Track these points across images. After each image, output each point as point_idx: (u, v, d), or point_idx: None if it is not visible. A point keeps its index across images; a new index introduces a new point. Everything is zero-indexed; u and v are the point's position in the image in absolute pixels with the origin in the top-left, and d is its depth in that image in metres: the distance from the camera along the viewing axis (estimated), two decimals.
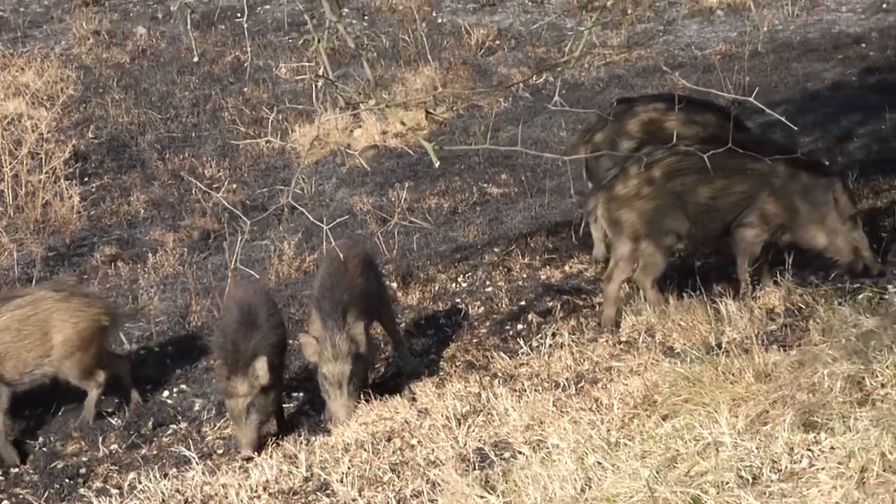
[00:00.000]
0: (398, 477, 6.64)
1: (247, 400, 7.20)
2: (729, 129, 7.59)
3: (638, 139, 9.02)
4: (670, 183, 8.03)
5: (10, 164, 11.78)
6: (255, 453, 7.17)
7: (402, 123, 6.94)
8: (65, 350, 7.68)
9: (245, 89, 14.30)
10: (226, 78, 14.73)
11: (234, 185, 12.06)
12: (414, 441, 7.01)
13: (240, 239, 8.81)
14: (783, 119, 6.93)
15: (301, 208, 8.14)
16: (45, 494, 6.95)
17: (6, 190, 11.64)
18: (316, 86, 9.71)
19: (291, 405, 8.06)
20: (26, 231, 11.25)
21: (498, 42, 15.16)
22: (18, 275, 10.52)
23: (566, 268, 9.21)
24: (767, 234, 8.22)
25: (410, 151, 12.19)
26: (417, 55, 14.50)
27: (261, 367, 7.22)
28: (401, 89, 13.69)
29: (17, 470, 7.28)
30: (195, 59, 10.60)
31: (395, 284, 9.33)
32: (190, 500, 6.65)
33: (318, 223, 6.78)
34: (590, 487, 5.99)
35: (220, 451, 7.46)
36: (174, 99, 14.09)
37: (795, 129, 7.77)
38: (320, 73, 8.54)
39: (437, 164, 6.61)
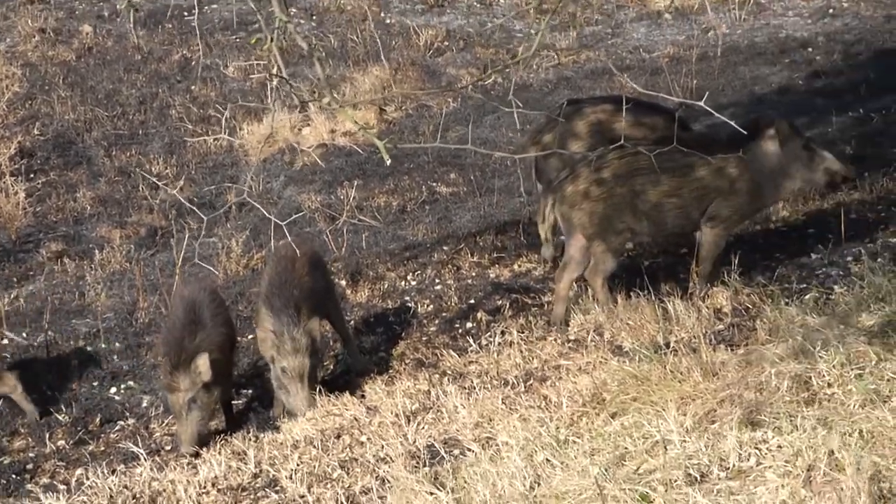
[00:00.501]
0: (347, 474, 6.63)
1: (188, 395, 7.20)
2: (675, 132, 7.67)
3: (587, 140, 9.06)
4: (620, 183, 8.07)
5: None
6: (196, 449, 7.14)
7: (354, 122, 6.91)
8: None
9: (193, 87, 14.24)
10: (173, 76, 14.66)
11: (181, 183, 11.99)
12: (363, 438, 7.00)
13: (196, 235, 8.93)
14: (731, 122, 6.97)
15: (256, 204, 8.13)
16: None
17: None
18: (269, 84, 9.71)
19: (240, 402, 8.04)
20: None
21: (446, 43, 15.18)
22: None
23: (515, 267, 9.25)
24: (734, 228, 8.34)
25: (359, 150, 12.16)
26: (366, 55, 14.51)
27: (202, 363, 7.21)
28: (350, 89, 13.66)
29: None
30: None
31: (343, 282, 9.33)
32: (138, 496, 6.61)
33: (274, 219, 6.78)
34: (539, 485, 6.01)
35: (168, 448, 7.45)
36: (121, 97, 14.00)
37: (744, 132, 7.84)
38: (274, 71, 8.55)
39: (388, 162, 6.61)
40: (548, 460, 6.18)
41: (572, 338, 7.88)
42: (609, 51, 14.53)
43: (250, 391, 8.15)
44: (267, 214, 7.57)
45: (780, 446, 5.78)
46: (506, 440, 6.52)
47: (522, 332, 8.04)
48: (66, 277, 10.38)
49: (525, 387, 7.24)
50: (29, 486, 6.97)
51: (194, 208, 8.81)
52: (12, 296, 9.90)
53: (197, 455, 7.10)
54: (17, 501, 6.78)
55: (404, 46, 14.90)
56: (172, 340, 7.40)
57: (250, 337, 8.53)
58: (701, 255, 8.27)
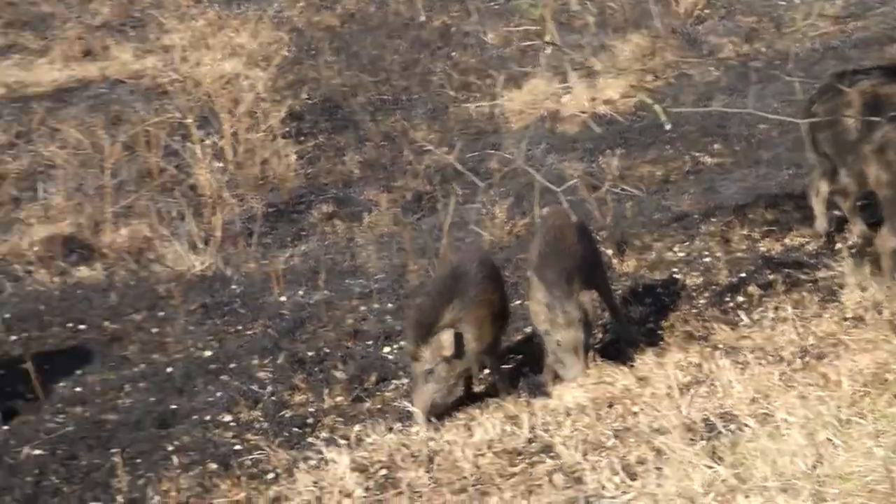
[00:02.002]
0: (622, 443, 6.66)
1: (427, 366, 7.18)
2: None
3: (860, 111, 8.83)
4: None
5: (230, 122, 12.11)
6: (426, 417, 7.14)
7: (632, 86, 6.92)
8: None
9: (453, 53, 14.43)
10: (433, 42, 14.88)
11: (445, 149, 12.17)
12: (636, 408, 7.01)
13: (462, 201, 8.88)
14: None
15: (532, 171, 8.14)
16: (276, 441, 7.13)
17: (226, 147, 11.99)
18: (541, 51, 9.77)
19: (509, 366, 8.13)
20: (247, 187, 11.58)
21: (707, 11, 14.99)
22: (240, 229, 10.85)
23: (787, 240, 9.09)
24: None
25: (620, 118, 12.18)
26: (625, 22, 14.43)
27: (447, 339, 7.14)
28: (609, 57, 13.63)
29: (248, 417, 7.49)
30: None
31: (609, 252, 9.32)
32: (416, 454, 6.77)
33: (551, 186, 6.82)
34: (821, 464, 5.94)
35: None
36: (384, 62, 14.31)
37: None
38: (547, 39, 8.60)
39: (668, 127, 6.59)
40: (829, 440, 6.11)
41: (850, 315, 7.72)
42: (878, 19, 14.11)
43: (519, 356, 8.23)
44: (543, 182, 7.66)
45: None
46: (785, 417, 6.45)
47: (797, 308, 7.91)
48: (337, 238, 10.70)
49: (802, 363, 7.14)
50: (310, 440, 7.19)
51: (472, 176, 8.93)
52: (287, 255, 10.27)
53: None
54: (299, 453, 7.01)
55: (664, 14, 14.75)
56: (424, 310, 7.39)
57: (518, 303, 8.60)
58: None
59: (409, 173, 11.81)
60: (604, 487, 6.28)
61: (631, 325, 8.26)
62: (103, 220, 11.01)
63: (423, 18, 15.39)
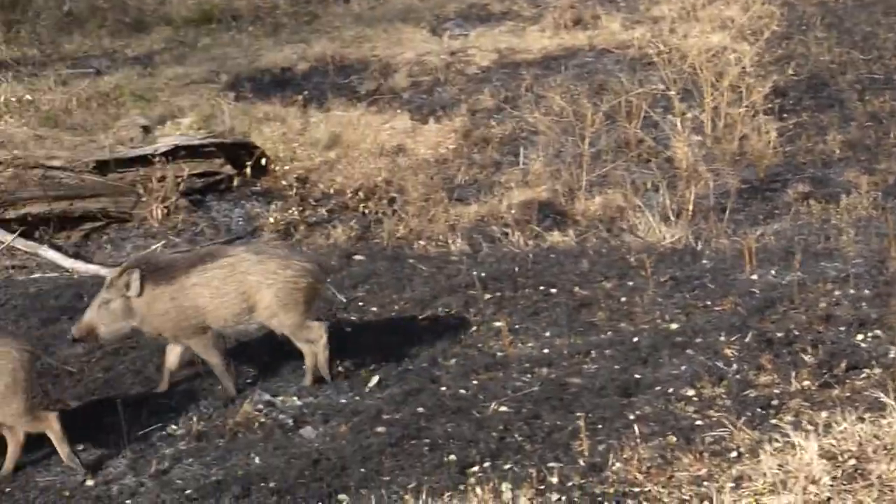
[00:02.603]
0: None
1: None
2: None
3: None
4: None
5: (712, 95, 11.99)
6: None
7: None
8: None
9: None
10: None
11: None
12: None
13: None
14: None
15: None
16: (739, 420, 6.99)
17: (706, 121, 11.88)
18: None
19: None
20: (723, 162, 11.43)
21: None
22: (713, 204, 10.73)
23: None
24: None
25: None
26: None
27: None
28: None
29: (711, 393, 7.39)
30: None
31: None
32: (889, 447, 6.46)
33: None
34: None
35: None
36: (877, 40, 13.71)
37: None
38: None
39: None
40: None
41: None
42: None
43: None
44: None
45: None
46: None
47: None
48: (812, 219, 10.37)
49: None
50: (774, 422, 7.00)
51: None
52: (759, 233, 10.06)
53: None
54: (763, 434, 6.84)
55: None
56: None
57: None
58: None
59: (895, 156, 11.28)
60: None
61: None
62: (578, 188, 11.18)
63: None
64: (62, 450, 6.93)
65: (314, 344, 7.84)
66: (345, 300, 8.00)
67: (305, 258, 8.13)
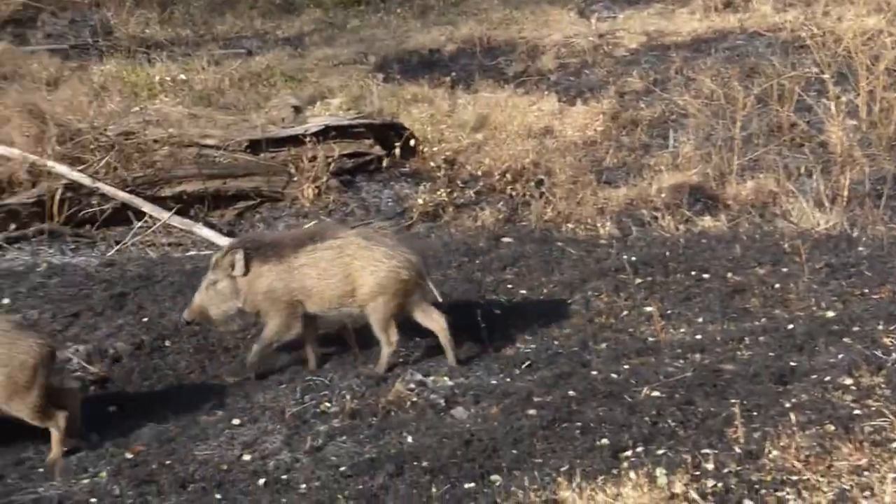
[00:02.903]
0: None
1: None
2: None
3: None
4: None
5: (867, 79, 11.74)
6: None
7: None
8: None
9: None
10: None
11: None
12: None
13: None
14: None
15: None
16: None
17: (861, 105, 11.63)
18: None
19: None
20: (879, 147, 11.19)
21: None
22: (868, 190, 10.51)
23: None
24: None
25: None
26: None
27: None
28: None
29: (869, 382, 7.24)
30: None
31: None
32: None
33: None
34: None
35: None
36: None
37: None
38: None
39: None
40: None
41: None
42: None
43: None
44: None
45: None
46: None
47: None
48: None
49: None
50: None
51: None
52: None
53: None
54: None
55: None
56: None
57: None
58: None
59: None
60: None
61: None
62: (729, 172, 11.04)
63: None
64: (56, 450, 6.93)
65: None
66: (441, 299, 8.01)
67: (410, 251, 8.12)
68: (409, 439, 7.02)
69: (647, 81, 13.56)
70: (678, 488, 6.28)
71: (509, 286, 9.15)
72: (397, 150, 11.95)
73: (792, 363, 7.61)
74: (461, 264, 9.59)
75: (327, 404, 7.48)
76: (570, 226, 10.59)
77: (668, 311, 8.51)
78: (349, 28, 16.92)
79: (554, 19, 16.11)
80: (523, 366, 7.87)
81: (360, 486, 6.49)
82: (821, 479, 6.29)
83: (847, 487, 6.17)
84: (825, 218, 9.99)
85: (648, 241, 9.98)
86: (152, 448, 7.00)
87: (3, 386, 6.81)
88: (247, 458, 6.92)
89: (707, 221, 10.39)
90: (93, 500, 6.37)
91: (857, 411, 6.95)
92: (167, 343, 8.30)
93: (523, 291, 9.07)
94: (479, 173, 11.71)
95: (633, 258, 9.42)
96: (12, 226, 10.44)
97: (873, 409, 6.93)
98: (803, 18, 14.19)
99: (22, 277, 9.40)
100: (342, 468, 6.72)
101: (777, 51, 13.73)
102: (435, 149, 12.10)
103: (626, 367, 7.80)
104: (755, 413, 7.04)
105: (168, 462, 6.83)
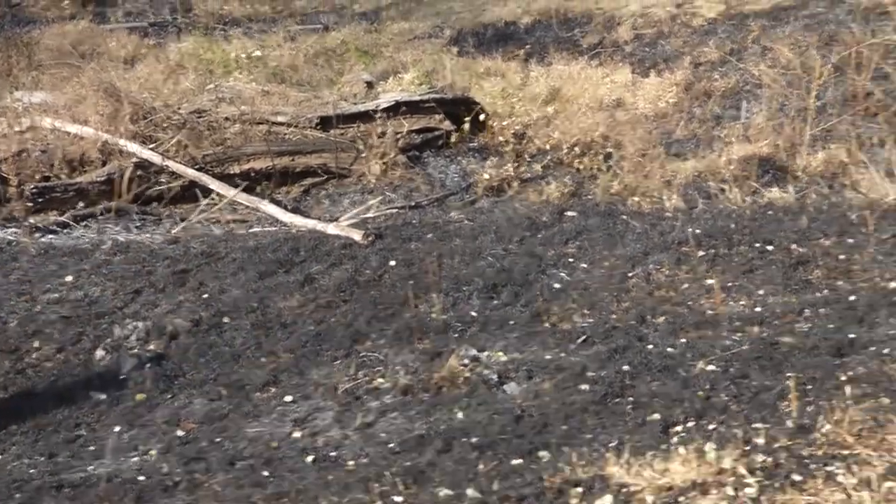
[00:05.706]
0: None
1: None
2: None
3: None
4: None
5: None
6: None
7: None
8: None
9: None
10: None
11: None
12: None
13: None
14: None
15: None
16: None
17: None
18: None
19: None
20: None
21: None
22: None
23: None
24: None
25: None
26: None
27: None
28: None
29: None
30: None
31: None
32: None
33: None
34: None
35: None
36: None
37: None
38: None
39: None
40: None
41: None
42: None
43: None
44: None
45: None
46: None
47: None
48: None
49: None
50: None
51: None
52: None
53: None
54: None
55: None
56: None
57: None
58: None
59: None
60: None
61: None
62: (801, 143, 10.85)
63: None
64: None
65: None
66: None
67: None
68: (460, 415, 7.00)
69: (724, 52, 13.36)
70: (727, 463, 6.19)
71: (570, 260, 9.10)
72: (466, 125, 11.91)
73: (851, 335, 7.47)
74: (523, 238, 9.55)
75: (380, 380, 7.48)
76: (635, 199, 10.48)
77: (730, 284, 8.39)
78: (426, 2, 16.90)
79: None
80: (579, 340, 7.81)
81: (408, 463, 6.47)
82: (872, 454, 6.16)
83: None
84: (895, 188, 9.77)
85: (714, 214, 9.86)
86: (204, 425, 7.06)
87: None
88: (297, 434, 6.94)
89: (775, 193, 10.23)
90: (140, 477, 6.42)
91: None
92: (225, 319, 8.35)
93: (584, 265, 9.00)
94: (548, 147, 11.63)
95: (698, 231, 9.31)
96: (80, 204, 10.58)
97: None
98: None
99: (87, 255, 9.53)
100: (391, 445, 6.72)
101: (858, 18, 13.45)
102: (505, 123, 12.04)
103: (682, 340, 7.71)
104: (810, 386, 6.91)
105: (218, 440, 6.87)
